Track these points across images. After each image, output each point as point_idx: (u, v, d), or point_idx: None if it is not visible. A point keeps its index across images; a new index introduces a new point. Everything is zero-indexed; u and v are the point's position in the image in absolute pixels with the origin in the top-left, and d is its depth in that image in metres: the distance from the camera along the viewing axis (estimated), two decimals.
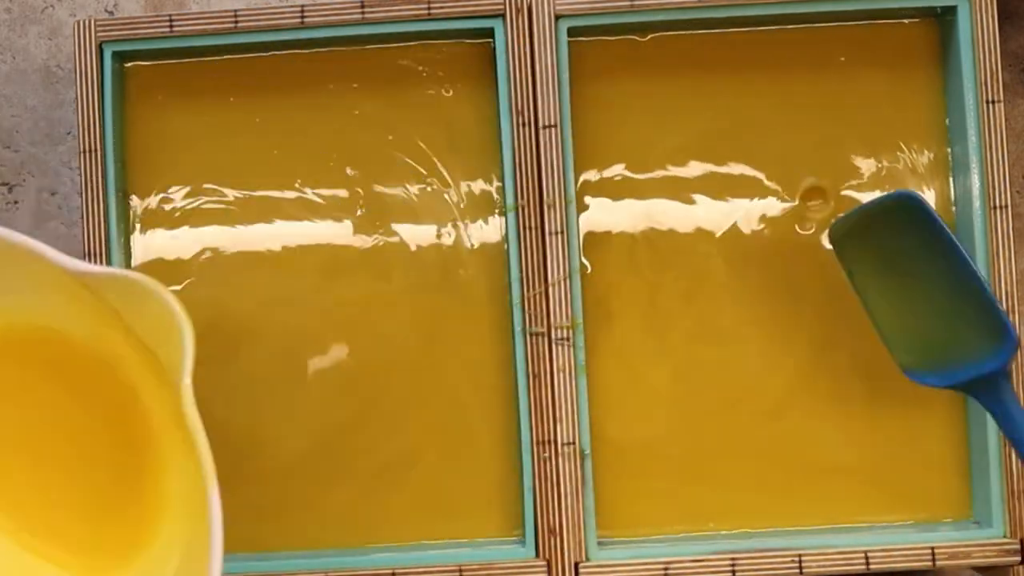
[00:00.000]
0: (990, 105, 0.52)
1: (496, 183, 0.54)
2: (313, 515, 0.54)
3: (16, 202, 0.59)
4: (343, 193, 0.55)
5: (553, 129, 0.52)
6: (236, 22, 0.53)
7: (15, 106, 0.59)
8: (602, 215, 0.54)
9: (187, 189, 0.55)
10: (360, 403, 0.54)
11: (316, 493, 0.54)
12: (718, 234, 0.54)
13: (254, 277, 0.54)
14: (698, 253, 0.54)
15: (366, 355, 0.54)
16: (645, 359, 0.54)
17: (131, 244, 0.54)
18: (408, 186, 0.54)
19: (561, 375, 0.52)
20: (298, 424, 0.54)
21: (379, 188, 0.55)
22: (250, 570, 0.52)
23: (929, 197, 0.54)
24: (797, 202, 0.54)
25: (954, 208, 0.54)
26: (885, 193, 0.51)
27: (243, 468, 0.54)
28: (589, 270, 0.54)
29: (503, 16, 0.52)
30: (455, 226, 0.54)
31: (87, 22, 0.53)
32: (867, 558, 0.51)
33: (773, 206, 0.54)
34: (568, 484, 0.51)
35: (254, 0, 0.59)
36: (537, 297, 0.52)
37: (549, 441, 0.52)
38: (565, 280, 0.52)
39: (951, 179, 0.54)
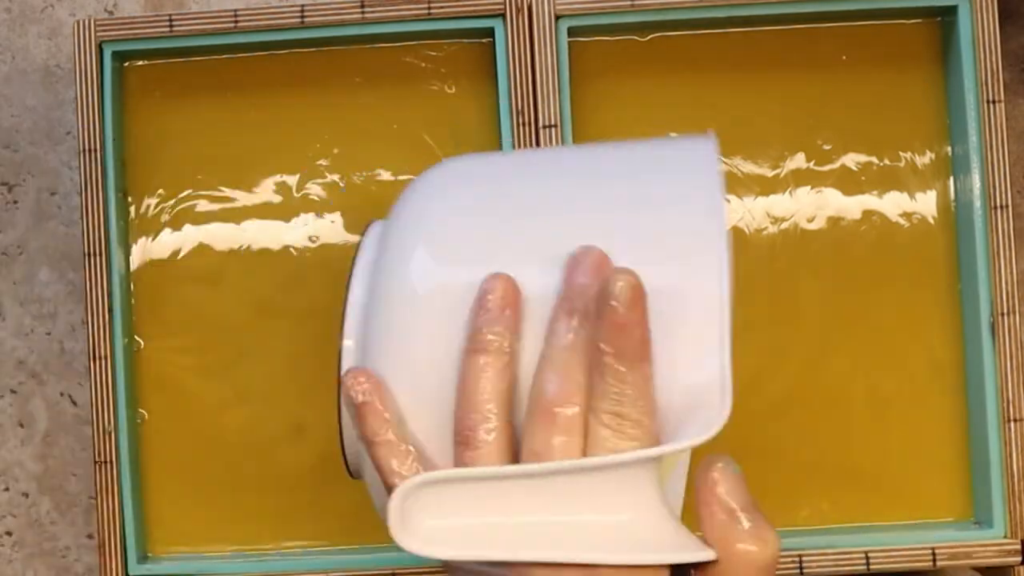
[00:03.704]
0: (991, 105, 0.52)
1: None
2: (314, 515, 0.54)
3: (16, 202, 0.59)
4: (345, 192, 0.54)
5: (553, 129, 0.52)
6: (236, 22, 0.53)
7: (15, 106, 0.59)
8: None
9: (187, 188, 0.55)
10: None
11: (318, 494, 0.54)
12: None
13: (255, 276, 0.54)
14: None
15: None
16: None
17: (130, 243, 0.54)
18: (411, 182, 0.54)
19: None
20: (299, 425, 0.54)
21: (382, 185, 0.54)
22: (250, 570, 0.52)
23: (929, 197, 0.54)
24: (798, 201, 0.54)
25: (954, 208, 0.54)
26: None
27: (245, 470, 0.54)
28: None
29: (503, 16, 0.52)
30: None
31: (87, 22, 0.53)
32: (867, 558, 0.51)
33: (774, 205, 0.54)
34: None
35: (254, 0, 0.59)
36: None
37: None
38: None
39: (951, 179, 0.54)
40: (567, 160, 0.40)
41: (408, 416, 0.36)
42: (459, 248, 0.37)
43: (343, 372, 0.38)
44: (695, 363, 0.34)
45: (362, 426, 0.36)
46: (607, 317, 0.33)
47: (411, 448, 0.36)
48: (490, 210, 0.37)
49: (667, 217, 0.36)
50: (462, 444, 0.34)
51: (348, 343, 0.38)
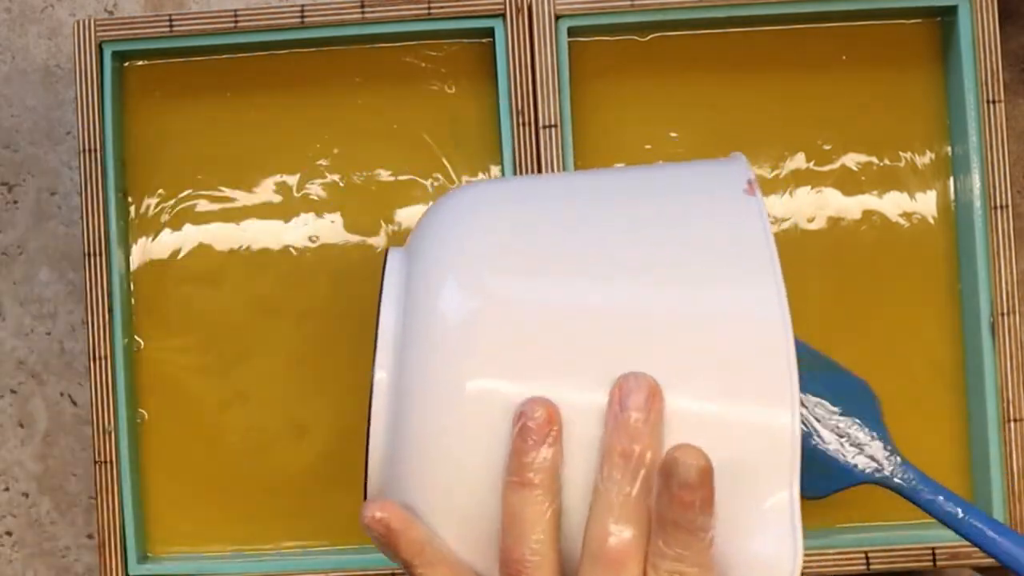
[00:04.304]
0: (991, 105, 0.52)
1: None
2: (314, 515, 0.54)
3: (16, 202, 0.59)
4: (345, 191, 0.54)
5: (553, 129, 0.52)
6: (236, 22, 0.53)
7: (15, 106, 0.59)
8: None
9: (187, 188, 0.55)
10: (361, 404, 0.54)
11: (318, 494, 0.54)
12: None
13: (255, 276, 0.54)
14: None
15: (366, 355, 0.54)
16: None
17: (130, 243, 0.54)
18: (412, 182, 0.54)
19: None
20: (299, 425, 0.54)
21: (382, 185, 0.54)
22: (250, 570, 0.52)
23: (929, 197, 0.54)
24: (798, 201, 0.54)
25: (954, 208, 0.54)
26: None
27: (245, 470, 0.54)
28: None
29: (503, 16, 0.52)
30: None
31: (87, 22, 0.53)
32: (867, 558, 0.51)
33: (774, 205, 0.54)
34: None
35: (254, 0, 0.59)
36: None
37: None
38: None
39: (951, 179, 0.54)
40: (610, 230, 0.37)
41: (439, 510, 0.35)
42: (497, 290, 0.35)
43: (367, 500, 0.37)
44: (760, 521, 0.34)
45: (395, 556, 0.36)
46: (673, 494, 0.33)
47: (452, 562, 0.36)
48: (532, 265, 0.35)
49: (728, 356, 0.34)
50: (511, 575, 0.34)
51: (381, 375, 0.36)
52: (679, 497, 0.33)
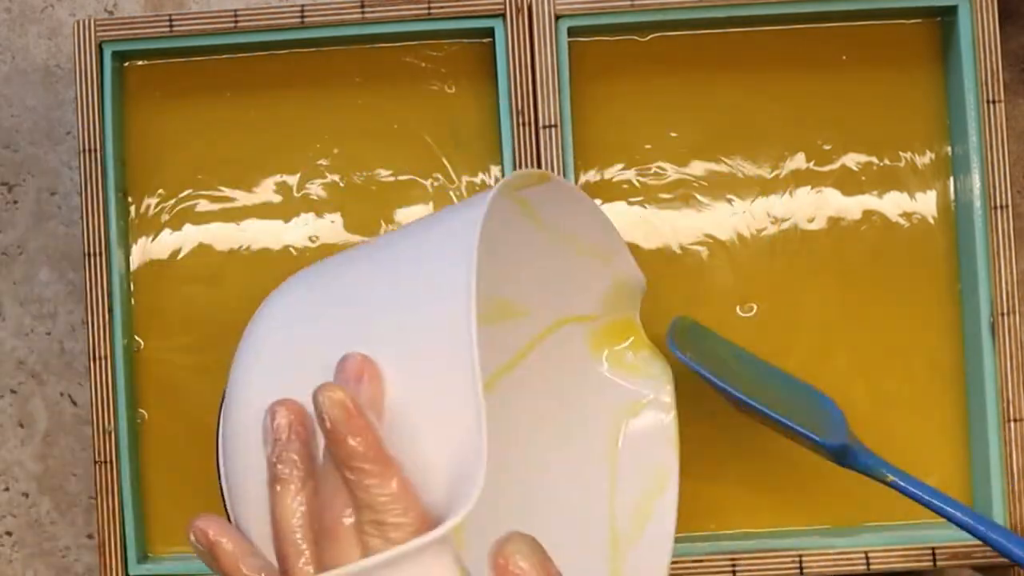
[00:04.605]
0: (991, 105, 0.52)
1: (499, 178, 0.54)
2: None
3: (16, 202, 0.59)
4: (345, 191, 0.54)
5: (553, 129, 0.52)
6: (236, 22, 0.53)
7: (15, 106, 0.59)
8: None
9: (187, 188, 0.55)
10: None
11: None
12: (719, 234, 0.54)
13: (255, 276, 0.54)
14: (699, 252, 0.54)
15: None
16: None
17: (130, 243, 0.54)
18: (412, 182, 0.54)
19: None
20: None
21: (382, 185, 0.55)
22: None
23: (929, 197, 0.54)
24: (798, 201, 0.54)
25: (954, 208, 0.54)
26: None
27: None
28: None
29: (503, 16, 0.52)
30: None
31: (87, 22, 0.53)
32: (867, 558, 0.51)
33: (774, 205, 0.54)
34: None
35: (254, 0, 0.59)
36: None
37: None
38: None
39: (951, 179, 0.54)
40: (357, 265, 0.41)
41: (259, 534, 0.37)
42: (267, 373, 0.39)
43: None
44: (448, 441, 0.34)
45: (218, 568, 0.37)
46: (326, 434, 0.34)
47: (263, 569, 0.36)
48: (293, 333, 0.40)
49: (414, 308, 0.36)
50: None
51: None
52: (329, 435, 0.33)
